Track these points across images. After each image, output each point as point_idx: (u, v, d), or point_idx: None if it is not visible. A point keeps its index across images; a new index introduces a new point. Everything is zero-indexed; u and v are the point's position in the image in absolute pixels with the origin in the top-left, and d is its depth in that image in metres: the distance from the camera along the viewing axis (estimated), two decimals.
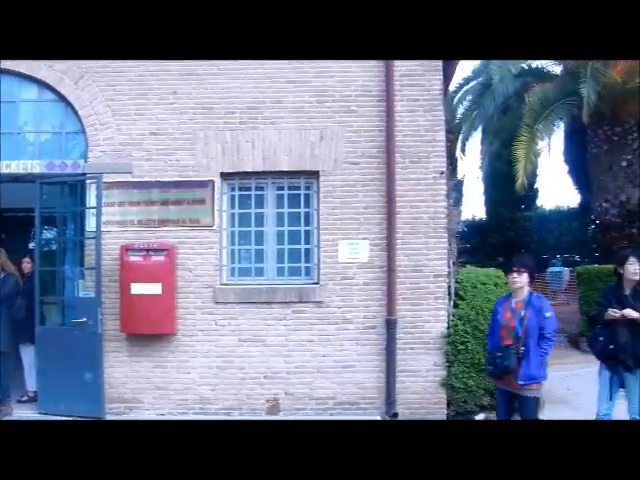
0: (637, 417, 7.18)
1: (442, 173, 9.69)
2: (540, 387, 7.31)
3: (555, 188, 66.92)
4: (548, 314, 7.14)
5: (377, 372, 9.63)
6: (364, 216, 9.69)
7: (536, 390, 7.18)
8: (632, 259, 7.28)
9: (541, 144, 20.06)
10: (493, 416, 9.72)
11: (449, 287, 9.75)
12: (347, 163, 9.75)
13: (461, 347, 9.37)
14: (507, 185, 20.44)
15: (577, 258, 28.14)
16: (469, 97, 20.88)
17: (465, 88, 21.09)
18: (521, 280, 7.21)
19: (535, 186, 34.29)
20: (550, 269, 26.25)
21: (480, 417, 9.53)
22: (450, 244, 9.85)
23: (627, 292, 7.32)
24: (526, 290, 7.30)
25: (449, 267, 9.77)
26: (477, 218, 33.62)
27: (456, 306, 9.72)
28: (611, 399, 7.34)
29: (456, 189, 32.72)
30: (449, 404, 9.67)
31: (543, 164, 39.72)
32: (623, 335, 7.12)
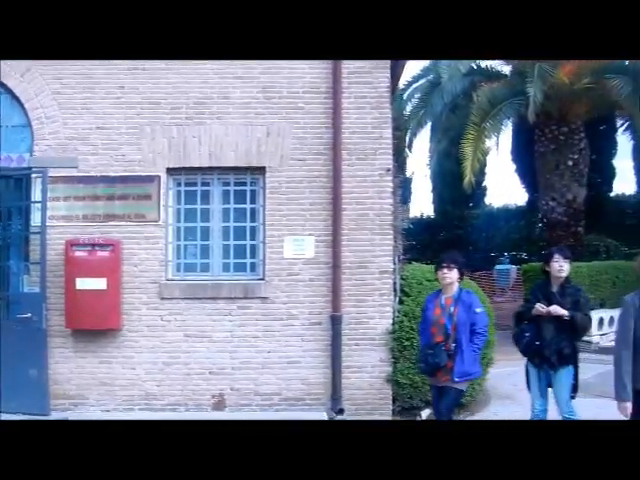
0: (567, 416, 7.28)
1: (388, 170, 9.73)
2: (469, 382, 7.54)
3: (503, 186, 67.72)
4: (478, 310, 7.22)
5: (322, 368, 9.65)
6: (310, 212, 9.70)
7: (463, 385, 7.29)
8: (557, 256, 7.37)
9: (489, 142, 20.35)
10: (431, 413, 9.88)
11: (394, 284, 9.79)
12: (293, 159, 9.75)
13: (407, 343, 9.40)
14: (455, 183, 20.68)
15: (524, 256, 28.49)
16: (417, 95, 21.04)
17: (414, 86, 21.27)
18: (451, 276, 7.27)
19: (483, 184, 34.68)
20: (497, 266, 26.58)
21: (425, 413, 9.58)
22: (396, 241, 9.89)
23: (554, 289, 7.38)
24: (456, 286, 7.36)
25: (395, 264, 9.80)
26: (425, 216, 33.86)
27: (401, 302, 9.76)
28: (542, 396, 7.40)
29: (404, 186, 32.85)
30: (395, 400, 9.72)
31: (491, 162, 40.16)
32: (549, 332, 7.21)
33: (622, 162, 37.63)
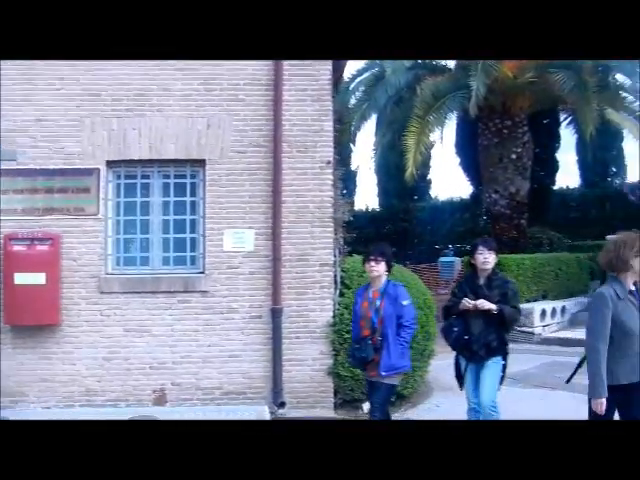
0: (489, 411, 7.24)
1: (329, 163, 9.73)
2: (399, 376, 7.44)
3: (448, 179, 68.33)
4: (405, 302, 7.16)
5: (263, 361, 9.63)
6: (250, 205, 9.66)
7: (394, 379, 7.24)
8: (481, 248, 7.30)
9: (433, 136, 20.46)
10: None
11: (335, 276, 9.80)
12: (234, 152, 9.69)
13: (347, 336, 9.28)
14: (400, 176, 20.77)
15: (469, 248, 28.67)
16: (362, 88, 21.08)
17: (358, 79, 21.28)
18: (379, 269, 7.21)
19: (428, 177, 34.98)
20: (442, 259, 26.78)
21: (367, 405, 9.59)
22: (336, 233, 9.90)
23: (481, 282, 7.33)
24: (383, 279, 7.30)
25: (335, 256, 9.80)
26: (371, 209, 34.02)
27: (342, 295, 9.78)
28: (476, 389, 7.36)
29: (348, 179, 33.03)
30: (336, 392, 9.73)
31: (436, 156, 40.47)
32: (477, 326, 7.18)
33: (566, 156, 38.11)
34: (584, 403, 9.96)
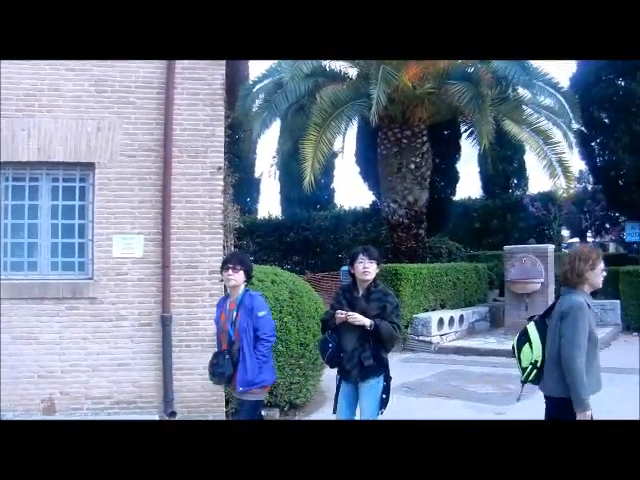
0: None
1: (219, 168, 9.65)
2: (263, 391, 6.97)
3: (351, 189, 68.96)
4: (261, 313, 6.77)
5: (154, 370, 9.47)
6: (139, 210, 9.50)
7: (257, 394, 6.84)
8: (362, 257, 6.73)
9: (335, 144, 20.55)
10: (273, 414, 9.87)
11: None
12: (123, 156, 9.53)
13: None
14: (302, 184, 20.76)
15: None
16: (262, 95, 21.03)
17: (259, 86, 21.19)
18: (236, 278, 6.87)
19: (331, 186, 35.17)
20: (343, 268, 26.92)
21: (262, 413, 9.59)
22: (227, 240, 9.86)
23: (360, 294, 6.78)
24: (241, 289, 6.95)
25: None
26: (274, 217, 34.11)
27: None
28: (348, 410, 6.83)
29: (251, 187, 32.86)
30: (227, 402, 9.64)
31: (339, 165, 40.78)
32: (350, 342, 6.66)
33: (466, 167, 38.57)
34: (479, 412, 10.20)
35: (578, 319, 5.49)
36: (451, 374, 13.36)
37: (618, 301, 19.91)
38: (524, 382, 5.96)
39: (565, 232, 45.82)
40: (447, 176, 27.47)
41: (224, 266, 6.97)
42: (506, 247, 19.60)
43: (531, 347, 5.85)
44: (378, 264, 6.89)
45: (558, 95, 20.94)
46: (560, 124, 21.40)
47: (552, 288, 18.61)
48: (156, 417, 9.27)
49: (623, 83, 24.53)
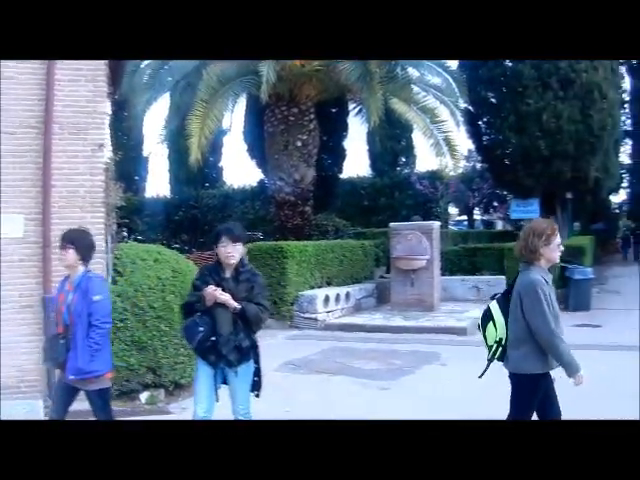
0: (241, 417, 6.50)
1: (101, 146, 9.46)
2: (99, 380, 6.36)
3: (239, 166, 68.76)
4: (97, 297, 6.24)
5: (37, 354, 9.08)
6: (20, 189, 9.18)
7: (96, 383, 6.32)
8: (224, 239, 6.28)
9: (224, 122, 20.51)
10: (158, 394, 9.83)
11: (107, 263, 9.55)
12: (3, 133, 9.20)
13: (120, 324, 9.11)
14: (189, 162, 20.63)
15: (260, 235, 29.05)
16: (149, 71, 20.78)
17: (146, 62, 20.93)
18: (67, 258, 6.35)
19: (220, 164, 35.08)
20: None
21: (144, 396, 9.52)
22: (108, 219, 9.72)
23: (227, 274, 6.37)
24: (80, 270, 6.38)
25: (107, 243, 9.55)
26: (162, 195, 33.86)
27: (115, 283, 9.48)
28: (210, 398, 6.41)
29: (139, 165, 32.53)
30: (112, 384, 9.53)
31: (228, 142, 40.71)
32: (226, 325, 6.26)
33: (354, 144, 39.03)
34: (364, 387, 10.37)
35: (539, 297, 5.56)
36: (337, 351, 13.46)
37: (504, 277, 20.42)
38: (490, 360, 6.02)
39: (453, 210, 46.76)
40: (334, 154, 27.67)
41: (60, 246, 6.46)
42: (392, 224, 19.75)
43: (495, 325, 5.91)
44: (244, 243, 6.52)
45: (446, 74, 21.47)
46: (447, 103, 21.90)
47: (437, 264, 18.98)
48: (40, 402, 9.09)
49: (510, 64, 25.14)
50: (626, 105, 48.28)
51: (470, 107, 25.30)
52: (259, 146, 24.19)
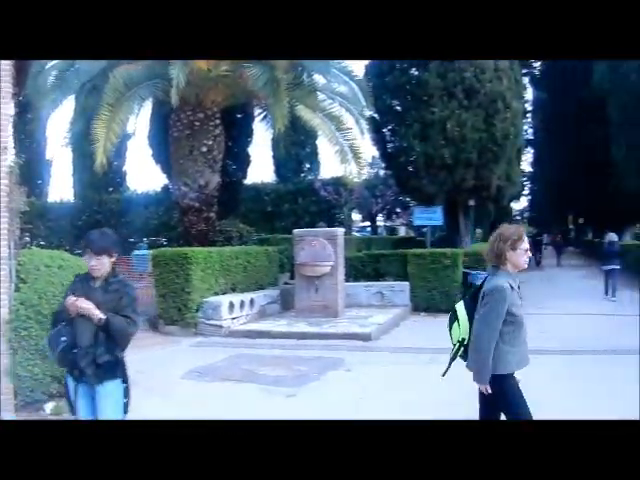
0: None
1: (5, 148, 9.27)
2: None
3: (144, 171, 68.20)
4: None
5: None
6: None
7: None
8: (87, 252, 5.96)
9: (129, 126, 20.31)
10: (63, 404, 9.65)
11: (10, 270, 9.36)
12: None
13: (24, 333, 8.95)
14: (94, 166, 20.38)
15: (164, 241, 28.89)
16: (54, 73, 20.43)
17: (51, 63, 20.54)
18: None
19: (124, 169, 34.78)
20: (136, 252, 26.69)
21: (49, 406, 9.33)
22: (12, 224, 9.51)
23: (97, 284, 5.98)
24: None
25: (10, 248, 9.37)
26: (66, 200, 33.46)
27: (18, 290, 9.24)
28: (90, 409, 5.95)
29: (43, 169, 32.01)
30: (16, 394, 9.33)
31: (132, 147, 40.35)
32: (85, 337, 5.83)
33: (259, 150, 39.08)
34: (270, 394, 10.41)
35: (497, 301, 5.64)
36: (242, 358, 13.42)
37: (407, 283, 20.73)
38: (452, 359, 6.11)
39: (356, 216, 47.27)
40: (239, 159, 27.70)
41: None
42: (296, 231, 19.81)
43: (459, 326, 5.98)
44: (110, 255, 6.00)
45: (352, 82, 21.66)
46: (353, 111, 22.06)
47: (342, 270, 19.11)
48: None
49: (416, 72, 25.57)
50: (528, 115, 49.65)
51: (375, 115, 25.61)
52: (164, 151, 24.00)
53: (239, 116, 26.15)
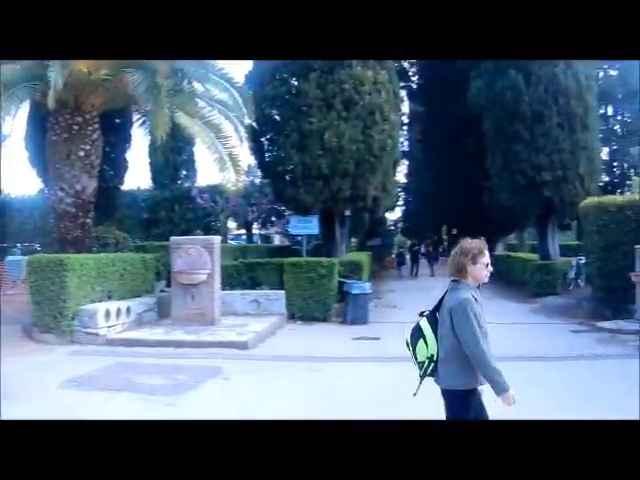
0: None
1: None
2: None
3: (19, 174, 66.75)
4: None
5: None
6: None
7: None
8: None
9: (5, 128, 19.97)
10: None
11: None
12: None
13: None
14: None
15: (38, 247, 28.40)
16: None
17: None
18: None
19: None
20: (9, 258, 26.26)
21: None
22: None
23: None
24: None
25: None
26: None
27: None
28: None
29: None
30: None
31: (7, 150, 39.50)
32: None
33: (138, 156, 38.92)
34: (148, 403, 10.52)
35: (468, 316, 5.68)
36: (120, 366, 13.43)
37: (283, 291, 21.07)
38: (423, 377, 6.06)
39: (232, 224, 47.45)
40: (116, 165, 27.41)
41: None
42: (173, 238, 19.87)
43: (425, 342, 5.97)
44: None
45: (233, 90, 21.76)
46: (232, 118, 22.15)
47: (218, 279, 19.28)
48: None
49: (296, 83, 25.90)
50: (405, 127, 50.74)
51: (254, 124, 25.83)
52: (41, 154, 23.56)
53: (117, 121, 25.91)
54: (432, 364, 5.97)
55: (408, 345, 6.18)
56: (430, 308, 6.19)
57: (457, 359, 5.79)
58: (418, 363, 6.07)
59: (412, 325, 6.22)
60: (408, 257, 47.94)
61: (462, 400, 5.82)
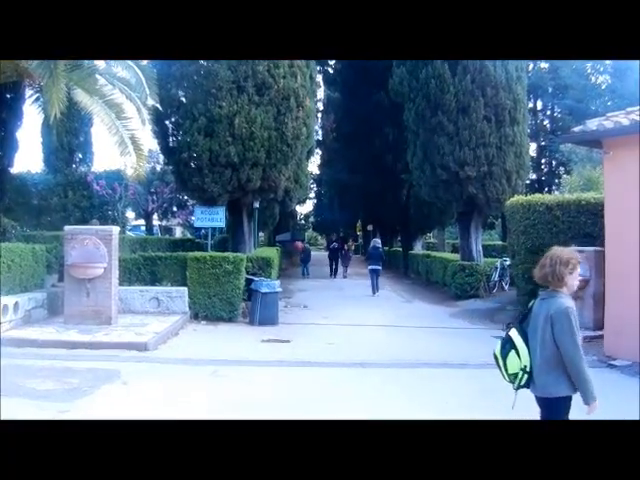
0: None
1: None
2: None
3: None
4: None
5: None
6: None
7: None
8: None
9: None
10: None
11: None
12: None
13: None
14: None
15: None
16: None
17: None
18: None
19: None
20: None
21: None
22: None
23: None
24: None
25: None
26: None
27: None
28: None
29: None
30: None
31: None
32: None
33: (30, 136, 38.02)
34: (41, 410, 10.18)
35: (569, 323, 6.05)
36: (7, 369, 12.82)
37: (185, 288, 20.76)
38: (517, 388, 6.43)
39: (130, 214, 46.72)
40: (5, 145, 26.50)
41: None
42: (67, 227, 19.29)
43: (518, 354, 6.27)
44: None
45: (136, 68, 21.25)
46: (135, 98, 21.68)
47: (115, 273, 18.84)
48: None
49: (206, 63, 25.24)
50: (319, 115, 50.56)
51: (158, 105, 25.33)
52: None
53: (8, 96, 25.09)
54: (526, 375, 6.35)
55: (497, 358, 6.54)
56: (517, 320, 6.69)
57: (557, 367, 6.16)
58: (509, 375, 6.46)
59: (500, 338, 6.64)
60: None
61: (562, 405, 6.19)
